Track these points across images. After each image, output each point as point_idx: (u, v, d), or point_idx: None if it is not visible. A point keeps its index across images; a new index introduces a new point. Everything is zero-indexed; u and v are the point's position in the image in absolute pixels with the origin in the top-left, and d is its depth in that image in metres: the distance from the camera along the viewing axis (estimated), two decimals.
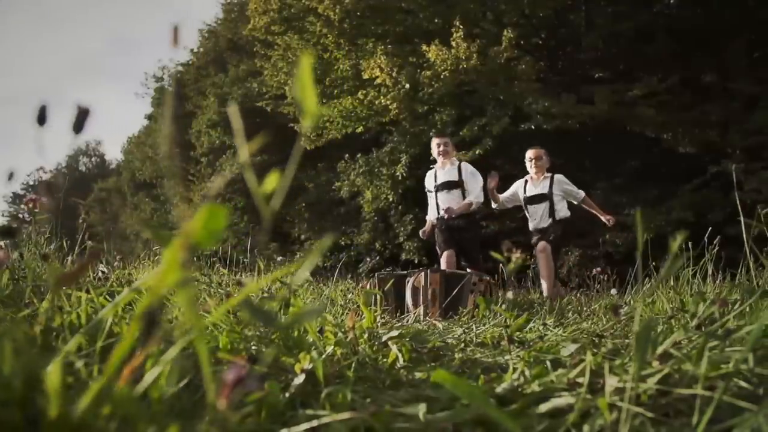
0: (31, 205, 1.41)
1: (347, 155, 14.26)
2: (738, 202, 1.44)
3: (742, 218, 1.33)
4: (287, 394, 0.91)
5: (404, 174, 12.86)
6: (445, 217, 4.89)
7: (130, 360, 0.47)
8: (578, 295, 4.67)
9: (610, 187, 11.48)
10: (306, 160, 16.47)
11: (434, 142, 5.26)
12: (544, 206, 5.18)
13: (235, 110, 0.37)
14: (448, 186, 5.10)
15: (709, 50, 10.93)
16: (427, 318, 2.67)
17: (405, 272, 3.70)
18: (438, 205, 5.09)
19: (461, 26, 10.27)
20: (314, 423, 0.63)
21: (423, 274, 3.43)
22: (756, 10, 10.59)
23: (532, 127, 11.04)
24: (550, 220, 5.12)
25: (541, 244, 4.97)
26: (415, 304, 3.35)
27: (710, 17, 11.02)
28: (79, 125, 0.45)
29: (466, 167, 5.18)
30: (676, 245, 0.58)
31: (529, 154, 5.43)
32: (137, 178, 25.90)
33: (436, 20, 11.88)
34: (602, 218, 5.15)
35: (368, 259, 13.45)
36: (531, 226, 5.29)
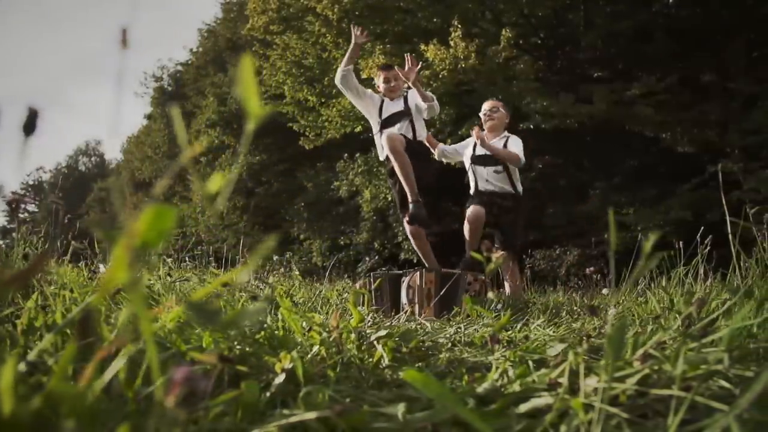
0: (14, 206, 1.40)
1: (346, 155, 14.27)
2: (724, 201, 1.44)
3: (727, 218, 1.33)
4: (268, 394, 0.90)
5: None
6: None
7: (93, 360, 0.47)
8: (573, 294, 4.66)
9: (608, 186, 11.48)
10: (305, 159, 16.48)
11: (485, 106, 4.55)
12: (496, 172, 4.30)
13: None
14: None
15: (708, 50, 10.92)
16: (420, 317, 2.67)
17: (401, 272, 3.70)
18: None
19: (460, 26, 10.27)
20: (282, 422, 0.63)
21: (418, 273, 3.43)
22: (755, 10, 10.58)
23: (531, 126, 11.04)
24: (509, 189, 4.32)
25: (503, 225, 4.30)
26: (411, 304, 3.35)
27: (709, 17, 11.01)
28: (29, 127, 0.45)
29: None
30: (649, 245, 0.58)
31: (485, 106, 4.53)
32: (137, 177, 25.92)
33: (435, 20, 11.87)
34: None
35: (367, 258, 13.45)
36: (477, 186, 4.37)
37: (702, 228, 2.13)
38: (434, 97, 4.10)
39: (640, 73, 10.82)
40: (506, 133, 4.45)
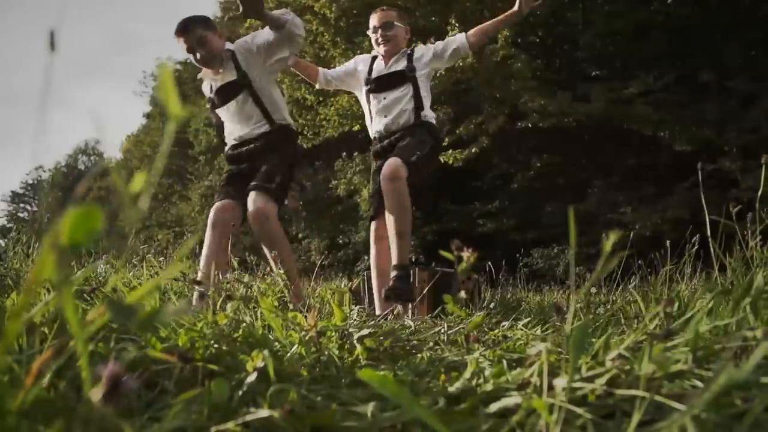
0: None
1: (344, 153, 14.27)
2: (703, 200, 1.44)
3: (707, 217, 1.33)
4: (240, 393, 0.90)
5: None
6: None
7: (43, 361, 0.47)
8: (567, 293, 4.66)
9: (606, 185, 11.49)
10: (304, 158, 16.49)
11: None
12: (401, 95, 3.00)
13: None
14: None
15: (706, 48, 10.92)
16: (401, 316, 2.67)
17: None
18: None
19: (457, 24, 10.26)
20: (239, 420, 0.63)
21: (411, 272, 3.43)
22: (753, 8, 10.58)
23: (529, 125, 11.05)
24: (413, 119, 3.00)
25: (392, 163, 2.72)
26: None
27: (707, 15, 11.01)
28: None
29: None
30: (609, 245, 0.58)
31: (372, 20, 3.23)
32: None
33: (432, 18, 11.87)
34: (513, 11, 2.94)
35: (366, 257, 13.46)
36: (376, 128, 3.09)
37: (690, 227, 2.13)
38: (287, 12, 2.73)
39: (638, 71, 10.81)
40: (407, 49, 3.14)
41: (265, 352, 0.89)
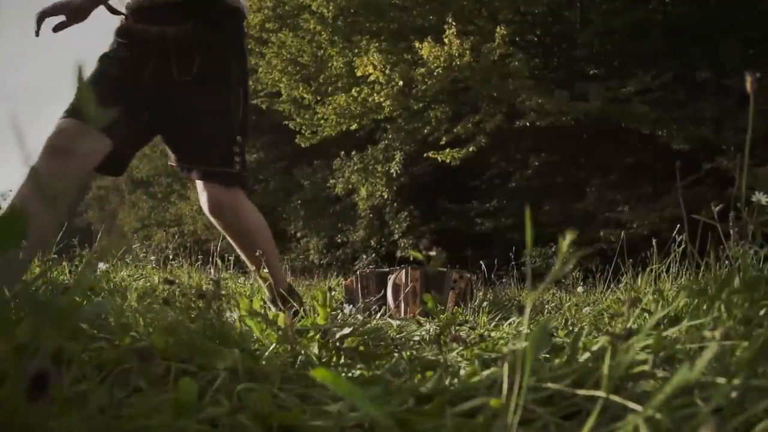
0: None
1: (342, 152, 14.27)
2: (681, 199, 1.44)
3: (684, 215, 1.33)
4: (211, 392, 0.90)
5: (399, 171, 12.86)
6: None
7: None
8: (560, 291, 4.67)
9: (604, 184, 11.48)
10: (301, 157, 16.47)
11: None
12: None
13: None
14: None
15: (703, 47, 10.90)
16: (389, 316, 2.67)
17: (387, 269, 3.70)
18: None
19: (454, 23, 10.25)
20: (195, 418, 0.63)
21: (404, 271, 3.43)
22: (751, 7, 10.57)
23: (527, 124, 11.03)
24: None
25: (210, 194, 2.00)
26: (396, 302, 3.35)
27: (705, 13, 11.00)
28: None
29: None
30: (566, 246, 0.58)
31: None
32: (134, 175, 25.90)
33: (430, 17, 11.86)
34: None
35: (364, 256, 13.47)
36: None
37: (685, 226, 2.12)
38: None
39: (636, 70, 10.80)
40: None
41: (236, 351, 0.89)
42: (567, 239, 0.54)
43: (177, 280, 1.38)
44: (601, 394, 0.62)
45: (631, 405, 0.58)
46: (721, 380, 0.58)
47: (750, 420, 0.55)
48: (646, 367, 0.68)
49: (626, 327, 0.74)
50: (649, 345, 0.87)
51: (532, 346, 0.60)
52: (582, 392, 0.66)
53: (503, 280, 5.30)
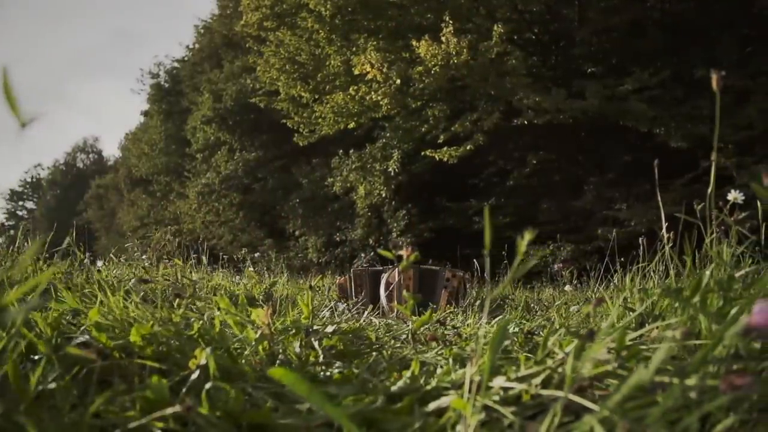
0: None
1: (341, 151, 14.26)
2: (660, 203, 1.43)
3: (662, 214, 1.32)
4: (184, 390, 0.90)
5: (397, 170, 12.86)
6: None
7: None
8: (555, 290, 4.66)
9: (602, 181, 11.48)
10: (300, 156, 16.47)
11: None
12: None
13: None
14: None
15: (701, 45, 10.89)
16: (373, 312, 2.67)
17: (381, 268, 3.70)
18: None
19: (452, 21, 10.23)
20: (157, 415, 0.63)
21: (397, 269, 3.43)
22: (748, 5, 10.55)
23: (525, 122, 11.02)
24: None
25: None
26: (389, 300, 3.35)
27: (703, 11, 10.98)
28: None
29: None
30: (524, 245, 0.58)
31: None
32: (134, 174, 25.88)
33: (428, 15, 11.84)
34: None
35: (363, 254, 13.46)
36: None
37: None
38: None
39: (634, 68, 10.78)
40: None
41: (208, 349, 0.90)
42: (525, 239, 0.54)
43: (152, 279, 1.38)
44: (560, 394, 0.62)
45: (590, 405, 0.58)
46: (676, 381, 0.59)
47: (705, 418, 0.56)
48: (610, 367, 0.68)
49: (590, 328, 0.74)
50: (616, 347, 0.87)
51: (491, 346, 0.61)
52: (545, 392, 0.66)
53: (497, 279, 5.26)
